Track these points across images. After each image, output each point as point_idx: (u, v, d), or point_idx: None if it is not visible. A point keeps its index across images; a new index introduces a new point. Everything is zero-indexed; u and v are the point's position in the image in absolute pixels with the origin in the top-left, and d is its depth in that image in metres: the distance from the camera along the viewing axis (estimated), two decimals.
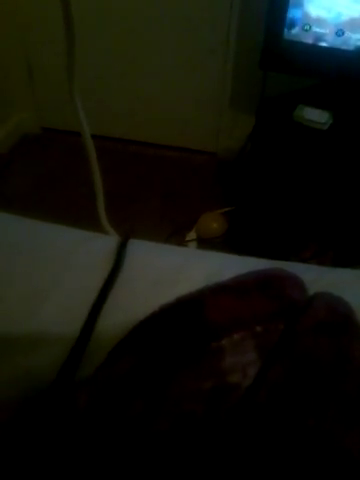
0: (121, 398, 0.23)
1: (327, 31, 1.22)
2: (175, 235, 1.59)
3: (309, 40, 1.25)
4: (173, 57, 1.79)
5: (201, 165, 1.97)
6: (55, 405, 0.26)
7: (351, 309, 0.27)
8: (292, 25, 1.24)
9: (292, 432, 0.21)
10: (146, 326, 0.26)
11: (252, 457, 0.21)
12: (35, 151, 1.97)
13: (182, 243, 1.57)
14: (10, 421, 0.27)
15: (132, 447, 0.22)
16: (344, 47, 1.22)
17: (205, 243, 1.58)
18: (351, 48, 1.22)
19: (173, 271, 0.33)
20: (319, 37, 1.24)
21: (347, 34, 1.20)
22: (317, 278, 0.33)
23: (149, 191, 1.81)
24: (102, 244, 0.37)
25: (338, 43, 1.22)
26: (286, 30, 1.25)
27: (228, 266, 0.33)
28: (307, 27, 1.23)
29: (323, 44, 1.24)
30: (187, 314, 0.26)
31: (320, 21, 1.21)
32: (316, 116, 1.28)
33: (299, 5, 1.21)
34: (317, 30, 1.22)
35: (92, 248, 0.36)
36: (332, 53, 1.24)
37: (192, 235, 1.61)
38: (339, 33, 1.21)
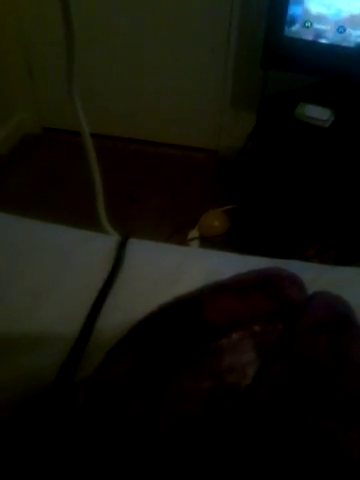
0: (120, 398, 0.23)
1: (328, 28, 1.21)
2: (177, 234, 1.58)
3: (310, 37, 1.24)
4: (174, 56, 1.79)
5: (202, 163, 1.96)
6: (54, 405, 0.26)
7: (350, 308, 0.27)
8: (292, 22, 1.24)
9: (291, 431, 0.21)
10: (145, 326, 0.26)
11: (251, 456, 0.21)
12: (35, 151, 1.97)
13: (184, 242, 1.57)
14: (10, 421, 0.27)
15: (131, 447, 0.22)
16: (345, 44, 1.22)
17: (207, 241, 1.58)
18: (352, 45, 1.22)
19: (173, 270, 0.33)
20: (320, 34, 1.23)
21: (348, 31, 1.20)
22: (316, 277, 0.33)
23: (150, 190, 1.80)
24: (102, 244, 0.37)
25: (339, 40, 1.22)
26: (286, 27, 1.25)
27: (228, 265, 0.33)
28: (308, 24, 1.22)
29: (324, 41, 1.24)
30: (186, 314, 0.26)
31: (320, 18, 1.21)
32: (317, 113, 1.28)
33: (299, 2, 1.21)
34: (318, 27, 1.22)
35: (92, 248, 0.36)
36: (333, 50, 1.24)
37: (194, 233, 1.61)
38: (340, 30, 1.20)
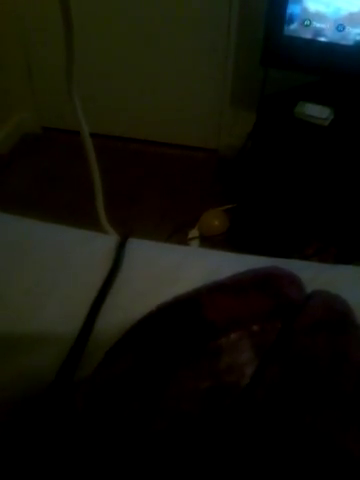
0: (119, 398, 0.23)
1: (327, 26, 1.21)
2: (177, 233, 1.59)
3: (309, 35, 1.24)
4: (174, 55, 1.79)
5: (202, 162, 1.96)
6: (54, 405, 0.26)
7: (348, 307, 0.27)
8: (291, 21, 1.24)
9: (289, 431, 0.21)
10: (144, 326, 0.26)
11: (250, 456, 0.21)
12: (35, 151, 1.97)
13: (184, 241, 1.57)
14: (9, 421, 0.27)
15: (130, 447, 0.22)
16: (344, 42, 1.22)
17: (207, 241, 1.58)
18: (350, 43, 1.21)
19: (172, 270, 0.33)
20: (319, 32, 1.23)
21: (347, 29, 1.20)
22: (315, 276, 0.33)
23: (150, 189, 1.80)
24: (101, 244, 0.37)
25: (338, 38, 1.22)
26: (285, 26, 1.25)
27: (227, 264, 0.33)
28: (307, 22, 1.22)
29: (323, 39, 1.24)
30: (184, 313, 0.26)
31: (319, 16, 1.21)
32: (317, 112, 1.28)
33: (297, 0, 1.21)
34: (317, 25, 1.22)
35: (91, 248, 0.36)
36: (332, 48, 1.24)
37: (194, 233, 1.61)
38: (340, 28, 1.20)
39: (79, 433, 0.24)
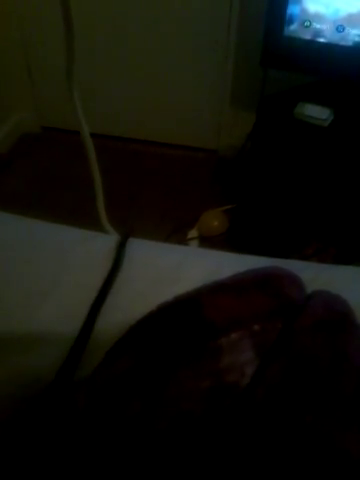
0: (119, 398, 0.23)
1: (327, 27, 1.21)
2: (176, 233, 1.58)
3: (309, 36, 1.24)
4: (173, 55, 1.79)
5: (202, 163, 1.96)
6: (54, 405, 0.26)
7: (349, 307, 0.27)
8: (290, 21, 1.24)
9: (290, 431, 0.21)
10: (144, 325, 0.26)
11: (250, 455, 0.21)
12: (35, 150, 1.97)
13: (183, 241, 1.57)
14: (9, 420, 0.27)
15: (131, 446, 0.22)
16: (343, 43, 1.22)
17: (207, 241, 1.58)
18: (350, 44, 1.22)
19: (172, 270, 0.33)
20: (319, 33, 1.23)
21: (347, 30, 1.20)
22: (316, 276, 0.33)
23: (150, 189, 1.80)
24: (102, 243, 0.37)
25: (338, 39, 1.22)
26: (285, 27, 1.25)
27: (227, 264, 0.33)
28: (307, 23, 1.22)
29: (323, 40, 1.24)
30: (185, 313, 0.26)
31: (318, 17, 1.21)
32: (317, 113, 1.28)
33: (296, 1, 1.21)
34: (317, 26, 1.22)
35: (92, 247, 0.36)
36: (332, 49, 1.24)
37: (193, 233, 1.61)
38: (340, 29, 1.20)
39: (80, 433, 0.24)
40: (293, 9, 1.22)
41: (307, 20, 1.22)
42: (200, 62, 1.79)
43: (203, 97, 1.88)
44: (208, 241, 1.58)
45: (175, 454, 0.22)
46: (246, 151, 1.59)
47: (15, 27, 1.79)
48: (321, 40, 1.24)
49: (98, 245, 0.37)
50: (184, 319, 0.25)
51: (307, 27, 1.23)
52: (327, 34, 1.22)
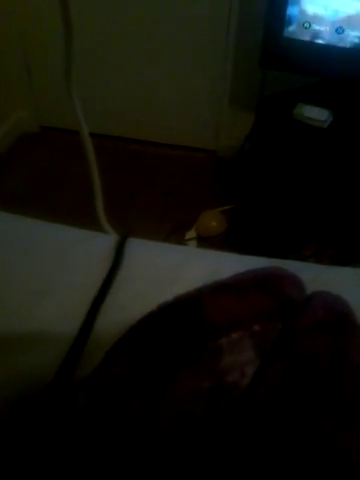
0: (119, 397, 0.23)
1: (326, 29, 1.22)
2: (175, 234, 1.58)
3: (308, 38, 1.25)
4: (173, 56, 1.79)
5: (201, 163, 1.96)
6: (53, 404, 0.26)
7: (349, 308, 0.27)
8: (289, 23, 1.24)
9: (290, 431, 0.21)
10: (144, 325, 0.26)
11: (251, 455, 0.21)
12: (34, 150, 1.97)
13: (182, 242, 1.57)
14: (8, 420, 0.27)
15: (131, 446, 0.22)
16: (342, 44, 1.22)
17: (205, 241, 1.58)
18: (349, 45, 1.22)
19: (172, 270, 0.33)
20: (318, 35, 1.24)
21: (347, 31, 1.20)
22: (315, 277, 0.33)
23: (149, 190, 1.80)
24: (101, 243, 0.37)
25: (337, 40, 1.22)
26: (285, 28, 1.25)
27: (227, 265, 0.33)
28: (307, 25, 1.22)
29: (323, 42, 1.24)
30: (185, 313, 0.26)
31: (317, 18, 1.21)
32: (316, 114, 1.28)
33: (295, 2, 1.21)
34: (317, 28, 1.22)
35: (91, 247, 0.36)
36: (332, 51, 1.24)
37: (192, 233, 1.61)
38: (339, 30, 1.21)
39: (79, 432, 0.23)
40: (292, 10, 1.22)
41: (306, 21, 1.22)
42: (199, 63, 1.79)
43: (202, 97, 1.88)
44: (206, 241, 1.58)
45: (175, 454, 0.22)
46: (245, 152, 1.59)
47: (14, 27, 1.78)
48: (320, 41, 1.24)
49: (97, 245, 0.37)
50: (185, 319, 0.25)
51: (306, 28, 1.23)
52: (326, 35, 1.23)
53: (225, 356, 0.23)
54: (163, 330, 0.25)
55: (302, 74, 1.39)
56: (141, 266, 0.34)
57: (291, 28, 1.25)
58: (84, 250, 0.36)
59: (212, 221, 1.62)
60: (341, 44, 1.22)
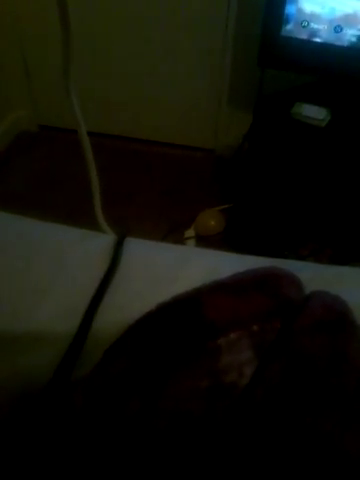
0: (117, 397, 0.23)
1: (324, 27, 1.22)
2: (173, 233, 1.59)
3: (307, 36, 1.25)
4: (171, 55, 1.79)
5: (199, 162, 1.97)
6: (52, 405, 0.26)
7: (348, 307, 0.27)
8: (287, 21, 1.24)
9: (289, 431, 0.21)
10: (143, 325, 0.26)
11: (249, 456, 0.21)
12: (32, 149, 1.96)
13: (180, 241, 1.57)
14: (6, 420, 0.27)
15: (129, 446, 0.22)
16: (340, 43, 1.22)
17: (203, 241, 1.59)
18: (347, 44, 1.22)
19: (170, 269, 0.33)
20: (316, 33, 1.24)
21: (345, 30, 1.20)
22: (314, 276, 0.33)
23: (147, 189, 1.80)
24: (99, 243, 0.37)
25: (335, 39, 1.22)
26: (283, 26, 1.25)
27: (226, 264, 0.33)
28: (305, 23, 1.22)
29: (321, 40, 1.24)
30: (184, 313, 0.26)
31: (315, 17, 1.21)
32: (314, 113, 1.28)
33: (293, 1, 1.21)
34: (315, 26, 1.22)
35: (89, 247, 0.36)
36: (330, 49, 1.24)
37: (190, 232, 1.61)
38: (337, 29, 1.21)
39: (77, 432, 0.23)
40: (289, 9, 1.22)
41: (305, 20, 1.22)
42: (197, 61, 1.79)
43: (201, 96, 1.88)
44: (205, 240, 1.58)
45: (174, 454, 0.22)
46: (243, 151, 1.59)
47: (13, 26, 1.78)
48: (318, 40, 1.24)
49: (95, 244, 0.37)
50: (183, 318, 0.25)
51: (304, 27, 1.23)
52: (324, 34, 1.23)
53: (224, 356, 0.23)
54: (162, 330, 0.25)
55: (300, 73, 1.39)
56: (139, 265, 0.34)
57: (289, 27, 1.25)
58: (82, 250, 0.35)
59: (211, 220, 1.62)
60: (339, 43, 1.22)
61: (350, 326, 0.26)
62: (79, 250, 0.35)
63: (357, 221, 1.37)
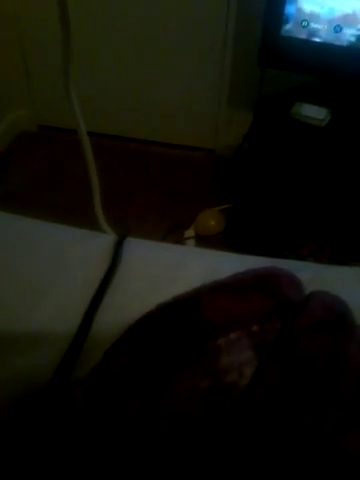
0: (118, 397, 0.23)
1: (323, 27, 1.22)
2: (173, 233, 1.58)
3: (307, 36, 1.25)
4: (172, 55, 1.79)
5: (199, 162, 1.96)
6: (52, 404, 0.26)
7: (347, 308, 0.27)
8: (286, 21, 1.24)
9: (289, 431, 0.21)
10: (143, 325, 0.26)
11: (250, 455, 0.21)
12: (32, 149, 1.96)
13: (180, 241, 1.57)
14: (7, 420, 0.27)
15: (129, 446, 0.22)
16: (339, 43, 1.22)
17: (203, 240, 1.58)
18: (347, 43, 1.22)
19: (170, 269, 0.33)
20: (316, 33, 1.24)
21: (344, 30, 1.20)
22: (314, 276, 0.33)
23: (147, 189, 1.80)
24: (99, 243, 0.37)
25: (334, 39, 1.22)
26: (282, 26, 1.25)
27: (226, 264, 0.33)
28: (305, 23, 1.22)
29: (321, 40, 1.24)
30: (184, 313, 0.26)
31: (314, 16, 1.21)
32: (314, 113, 1.28)
33: (293, 1, 1.21)
34: (315, 26, 1.22)
35: (89, 247, 0.36)
36: (329, 49, 1.24)
37: (190, 232, 1.61)
38: (337, 29, 1.21)
39: (78, 433, 0.23)
40: (289, 9, 1.22)
41: (304, 20, 1.22)
42: (198, 61, 1.79)
43: (201, 96, 1.88)
44: (205, 240, 1.58)
45: (174, 454, 0.22)
46: (243, 151, 1.59)
47: (12, 26, 1.78)
48: (317, 40, 1.24)
49: (95, 244, 0.37)
50: (183, 319, 0.25)
51: (304, 27, 1.23)
52: (323, 34, 1.23)
53: (223, 356, 0.23)
54: (162, 330, 0.25)
55: (300, 72, 1.39)
56: (139, 266, 0.34)
57: (289, 26, 1.25)
58: (82, 250, 0.35)
59: (210, 220, 1.62)
60: (338, 42, 1.22)
61: (350, 326, 0.26)
62: (79, 250, 0.35)
63: (357, 221, 1.37)
